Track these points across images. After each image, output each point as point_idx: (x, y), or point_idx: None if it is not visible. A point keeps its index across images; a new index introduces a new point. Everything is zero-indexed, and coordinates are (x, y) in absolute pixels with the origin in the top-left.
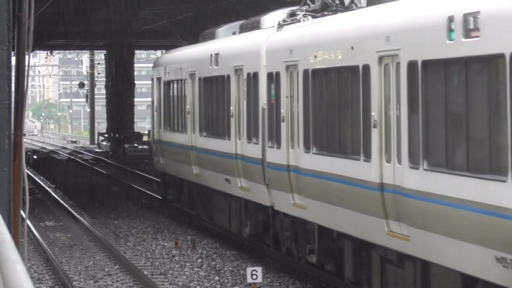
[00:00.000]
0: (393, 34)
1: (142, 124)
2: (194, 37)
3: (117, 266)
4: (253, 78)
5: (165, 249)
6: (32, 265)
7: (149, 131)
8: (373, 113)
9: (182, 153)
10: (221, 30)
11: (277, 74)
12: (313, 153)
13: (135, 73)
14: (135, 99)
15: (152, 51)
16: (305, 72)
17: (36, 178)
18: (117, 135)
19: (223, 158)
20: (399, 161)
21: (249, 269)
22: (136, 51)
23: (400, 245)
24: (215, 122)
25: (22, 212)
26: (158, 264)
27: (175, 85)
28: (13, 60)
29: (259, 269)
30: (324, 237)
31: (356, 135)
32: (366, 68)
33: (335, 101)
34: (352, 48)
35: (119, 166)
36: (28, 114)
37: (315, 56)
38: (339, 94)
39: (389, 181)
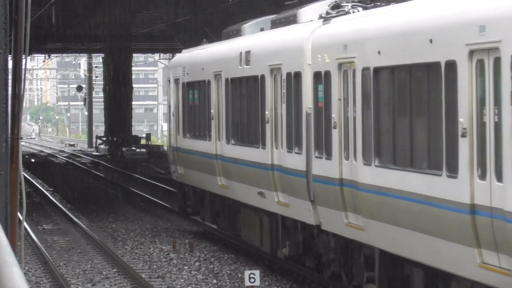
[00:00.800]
0: (491, 23)
1: (140, 127)
2: (192, 41)
3: (115, 270)
4: (294, 78)
5: (163, 252)
6: (29, 268)
7: (147, 134)
8: (461, 120)
9: (205, 162)
10: (247, 27)
11: (327, 73)
12: (376, 166)
13: (133, 76)
14: (133, 103)
15: (149, 55)
16: (365, 70)
17: (34, 182)
18: (115, 139)
19: (256, 169)
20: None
21: (247, 273)
22: (134, 55)
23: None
24: (246, 129)
25: (19, 215)
26: (156, 268)
27: (196, 87)
28: (10, 63)
29: (257, 273)
30: (386, 263)
31: (438, 146)
32: (451, 65)
33: (405, 104)
34: (430, 41)
35: (117, 169)
36: (26, 118)
37: (379, 52)
38: (412, 96)
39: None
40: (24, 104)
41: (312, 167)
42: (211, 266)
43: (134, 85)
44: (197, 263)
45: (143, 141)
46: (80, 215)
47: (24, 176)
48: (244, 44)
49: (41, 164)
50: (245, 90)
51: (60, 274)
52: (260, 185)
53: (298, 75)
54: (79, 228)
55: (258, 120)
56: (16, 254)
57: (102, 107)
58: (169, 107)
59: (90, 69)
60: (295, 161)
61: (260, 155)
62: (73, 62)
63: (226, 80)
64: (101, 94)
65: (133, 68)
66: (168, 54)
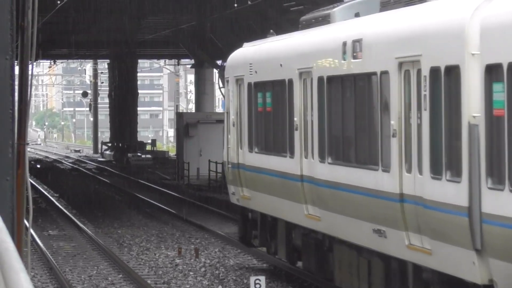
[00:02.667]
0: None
1: (145, 133)
2: (197, 46)
3: (120, 275)
4: (445, 75)
5: (169, 258)
6: (35, 274)
7: (152, 140)
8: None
9: (283, 184)
10: (337, 11)
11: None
12: None
13: (138, 82)
14: (138, 108)
15: (155, 60)
16: None
17: (39, 187)
18: (120, 144)
19: (373, 198)
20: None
21: (252, 278)
22: (139, 60)
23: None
24: (352, 144)
25: (25, 221)
26: (162, 273)
27: (269, 88)
28: (16, 69)
29: (262, 278)
30: None
31: None
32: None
33: None
34: None
35: (122, 175)
36: (32, 123)
37: None
38: None
39: None
40: (29, 110)
41: (482, 203)
42: (217, 272)
43: (139, 91)
44: (203, 269)
45: (148, 147)
46: (86, 221)
47: (30, 182)
48: (348, 31)
49: (47, 170)
50: (353, 92)
51: (65, 279)
52: (378, 220)
53: (452, 70)
54: (84, 234)
55: (377, 132)
56: (23, 260)
57: (108, 113)
58: (227, 113)
59: (95, 75)
60: (447, 192)
61: (380, 180)
62: (79, 68)
63: (320, 79)
64: (107, 100)
65: (138, 74)
66: (173, 60)
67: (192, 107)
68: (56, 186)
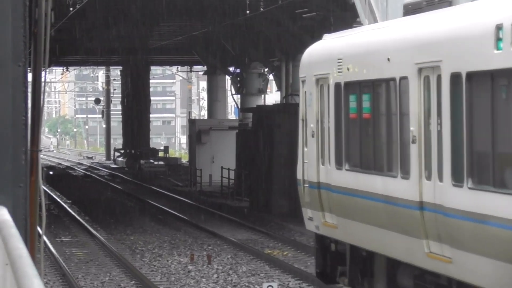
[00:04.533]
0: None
1: (158, 140)
2: (210, 53)
3: (133, 282)
4: None
5: (181, 265)
6: (48, 280)
7: (165, 147)
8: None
9: (391, 212)
10: None
11: None
12: None
13: (151, 89)
14: (151, 115)
15: (167, 67)
16: None
17: (52, 194)
18: (132, 151)
19: None
20: None
21: (265, 285)
22: (152, 67)
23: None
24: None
25: (38, 228)
26: (174, 280)
27: (368, 89)
28: (29, 76)
29: (275, 285)
30: None
31: None
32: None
33: None
34: None
35: (135, 181)
36: (44, 130)
37: None
38: None
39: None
40: (42, 117)
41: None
42: (229, 278)
43: (152, 98)
44: (215, 275)
45: (161, 154)
46: (98, 227)
47: (43, 189)
48: (504, 11)
49: (59, 177)
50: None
51: (78, 286)
52: None
53: None
54: (97, 241)
55: None
56: (36, 266)
57: (120, 119)
58: (302, 121)
59: (108, 82)
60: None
61: None
62: (91, 75)
63: (455, 76)
64: (119, 107)
65: (151, 81)
66: (185, 66)
67: (204, 113)
68: (68, 193)
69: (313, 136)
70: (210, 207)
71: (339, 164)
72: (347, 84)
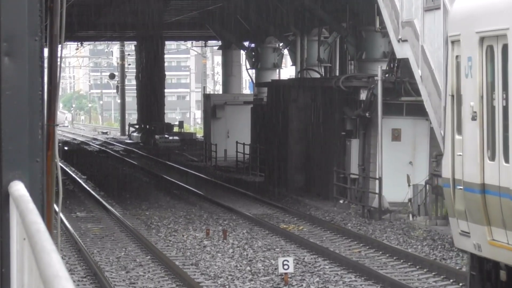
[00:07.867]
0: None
1: (173, 115)
2: (224, 28)
3: (148, 257)
4: None
5: (197, 240)
6: (63, 256)
7: (179, 122)
8: None
9: None
10: None
11: None
12: None
13: (165, 64)
14: (165, 90)
15: (182, 42)
16: None
17: (67, 169)
18: (147, 126)
19: None
20: None
21: (280, 259)
22: (166, 42)
23: None
24: None
25: (54, 205)
26: (190, 255)
27: None
28: (45, 51)
29: (290, 260)
30: None
31: None
32: None
33: None
34: None
35: (150, 157)
36: (59, 106)
37: None
38: None
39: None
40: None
41: None
42: (245, 253)
43: (166, 73)
44: (231, 250)
45: (176, 129)
46: (114, 202)
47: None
48: None
49: (74, 152)
50: None
51: (94, 261)
52: None
53: None
54: (112, 216)
55: None
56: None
57: (135, 95)
58: (453, 97)
59: (122, 57)
60: None
61: None
62: (106, 50)
63: None
64: (134, 82)
65: (165, 56)
66: (200, 41)
67: (219, 88)
68: (83, 168)
69: (474, 119)
70: (226, 182)
71: None
72: None
